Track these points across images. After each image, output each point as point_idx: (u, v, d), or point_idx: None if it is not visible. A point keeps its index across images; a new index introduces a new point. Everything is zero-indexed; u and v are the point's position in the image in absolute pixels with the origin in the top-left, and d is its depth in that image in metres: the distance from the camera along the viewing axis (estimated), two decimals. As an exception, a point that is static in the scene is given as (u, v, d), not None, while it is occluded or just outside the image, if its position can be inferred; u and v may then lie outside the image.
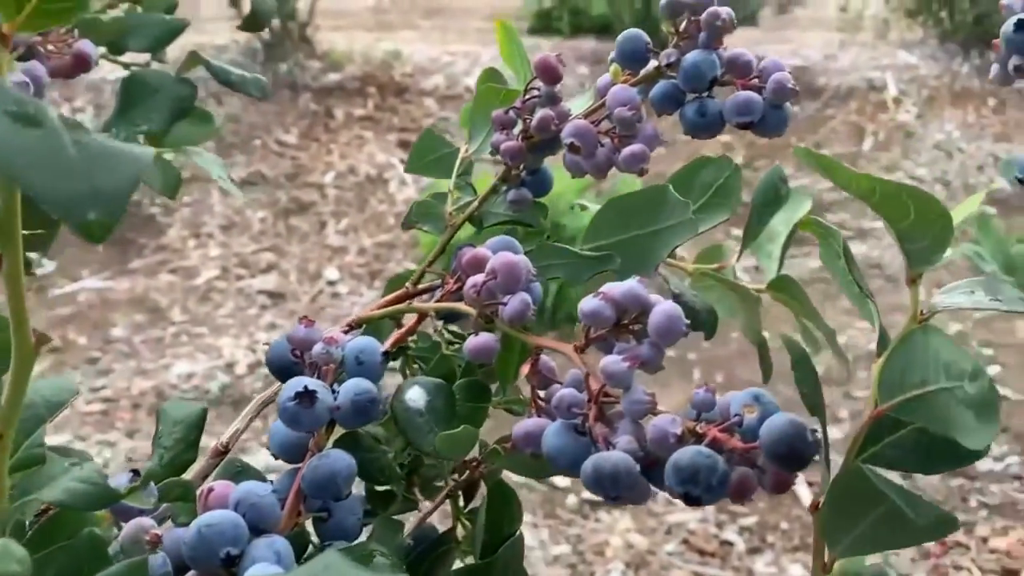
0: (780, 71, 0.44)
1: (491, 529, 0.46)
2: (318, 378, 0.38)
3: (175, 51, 0.66)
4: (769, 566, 1.94)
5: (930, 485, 2.23)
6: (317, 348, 0.40)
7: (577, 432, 0.35)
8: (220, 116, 3.59)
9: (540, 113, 0.46)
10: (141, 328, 2.56)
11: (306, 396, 0.36)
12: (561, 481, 2.16)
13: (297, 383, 0.36)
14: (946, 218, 0.37)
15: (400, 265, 2.80)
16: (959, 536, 2.06)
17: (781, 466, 0.31)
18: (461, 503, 0.49)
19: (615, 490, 0.33)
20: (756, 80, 0.44)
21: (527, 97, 0.48)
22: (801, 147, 0.41)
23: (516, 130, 0.48)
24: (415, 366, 0.47)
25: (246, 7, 0.71)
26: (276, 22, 3.89)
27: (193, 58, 0.66)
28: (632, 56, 0.46)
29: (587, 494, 2.15)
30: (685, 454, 0.32)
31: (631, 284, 0.37)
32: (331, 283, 2.78)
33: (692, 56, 0.44)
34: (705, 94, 0.45)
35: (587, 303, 0.37)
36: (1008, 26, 0.43)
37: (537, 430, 0.36)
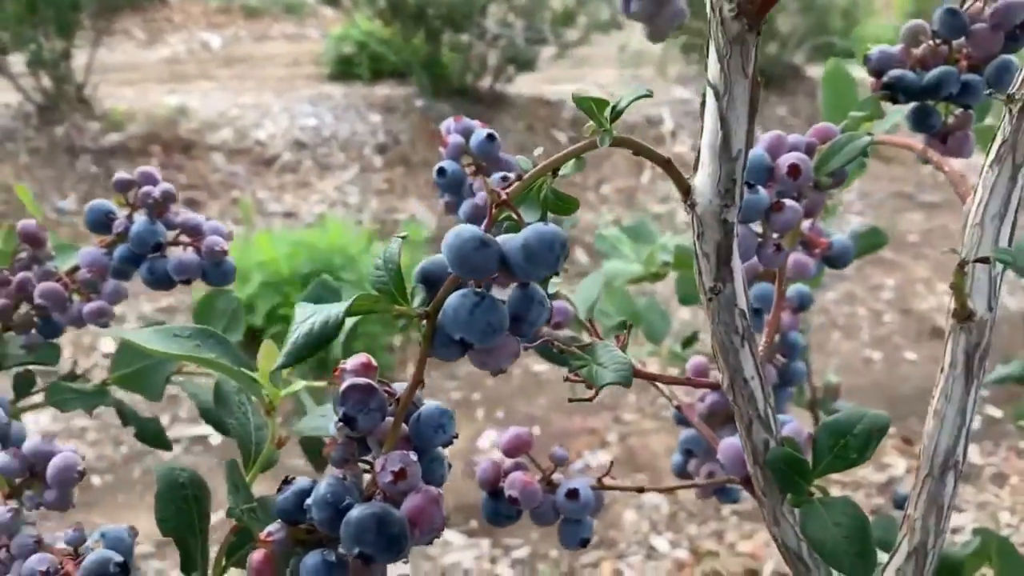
0: (217, 234, 0.53)
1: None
2: None
3: None
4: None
5: (689, 500, 2.43)
6: None
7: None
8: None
9: (18, 277, 0.53)
10: None
11: None
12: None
13: None
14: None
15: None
16: (711, 543, 2.26)
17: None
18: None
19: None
20: (196, 242, 0.53)
21: (15, 259, 0.55)
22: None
23: (8, 289, 0.55)
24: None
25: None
26: (49, 83, 3.76)
27: None
28: (96, 225, 0.54)
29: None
30: None
31: (38, 442, 0.45)
32: (106, 355, 2.71)
33: (136, 226, 0.52)
34: (155, 254, 0.53)
35: (1, 458, 0.44)
36: None
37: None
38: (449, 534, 2.20)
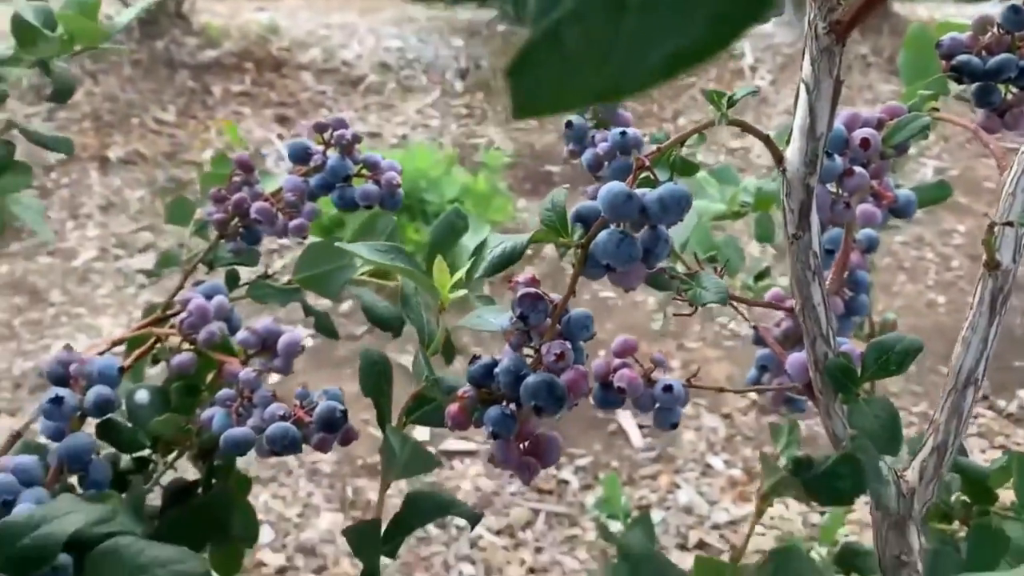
0: (392, 171, 0.66)
1: (216, 476, 0.68)
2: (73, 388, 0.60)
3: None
4: (596, 509, 2.23)
5: (746, 425, 2.56)
6: (74, 367, 0.61)
7: (229, 415, 0.58)
8: (97, 95, 3.64)
9: (236, 197, 0.68)
10: (20, 310, 2.67)
11: (56, 400, 0.57)
12: (420, 434, 2.40)
13: (50, 392, 0.57)
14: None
15: (274, 242, 2.95)
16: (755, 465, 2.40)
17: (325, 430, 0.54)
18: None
19: (241, 451, 0.56)
20: (376, 176, 0.67)
21: (233, 180, 0.69)
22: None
23: (225, 204, 0.69)
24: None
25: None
26: (150, -2, 3.92)
27: (8, 124, 0.86)
28: (299, 157, 0.68)
29: (444, 446, 2.40)
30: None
31: (267, 322, 0.60)
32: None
33: (331, 161, 0.66)
34: (344, 184, 0.67)
35: (240, 335, 0.60)
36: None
37: (208, 416, 0.58)
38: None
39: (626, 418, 2.49)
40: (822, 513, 2.12)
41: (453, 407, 0.49)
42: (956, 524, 0.73)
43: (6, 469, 0.56)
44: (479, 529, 2.12)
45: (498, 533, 2.12)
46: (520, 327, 0.48)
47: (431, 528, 2.13)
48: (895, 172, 0.75)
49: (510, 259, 0.46)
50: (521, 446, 0.51)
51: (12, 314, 2.65)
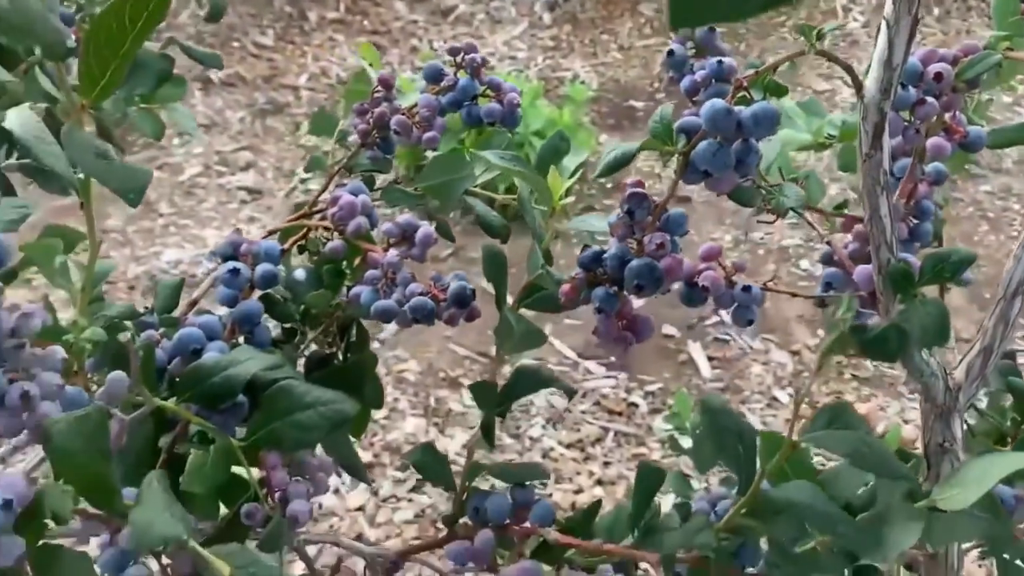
0: (513, 92, 0.76)
1: (352, 348, 0.80)
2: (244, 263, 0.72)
3: None
4: (666, 424, 2.33)
5: (813, 362, 2.62)
6: (244, 247, 0.73)
7: (377, 291, 0.69)
8: (200, 17, 3.79)
9: (378, 110, 0.78)
10: (133, 219, 2.88)
11: (234, 271, 0.69)
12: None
13: (228, 264, 0.69)
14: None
15: (366, 164, 3.09)
16: (829, 401, 2.46)
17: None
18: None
19: (388, 319, 0.67)
20: (499, 96, 0.76)
21: (375, 96, 0.80)
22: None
23: (367, 117, 0.80)
24: (305, 255, 0.81)
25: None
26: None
27: (169, 41, 0.98)
28: (433, 77, 0.77)
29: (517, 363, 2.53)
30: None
31: (409, 217, 0.70)
32: (303, 180, 3.08)
33: (462, 81, 0.76)
34: (471, 103, 0.77)
35: (385, 225, 0.71)
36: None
37: (357, 292, 0.70)
38: (591, 365, 2.50)
39: (696, 349, 2.58)
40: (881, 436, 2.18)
41: (566, 287, 0.59)
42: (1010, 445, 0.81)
43: (194, 325, 0.68)
44: (551, 442, 2.26)
45: (568, 447, 2.25)
46: (626, 221, 0.57)
47: (505, 438, 2.27)
48: (984, 118, 0.81)
49: (622, 162, 0.55)
50: (620, 323, 0.61)
51: (126, 222, 2.85)
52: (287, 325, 0.79)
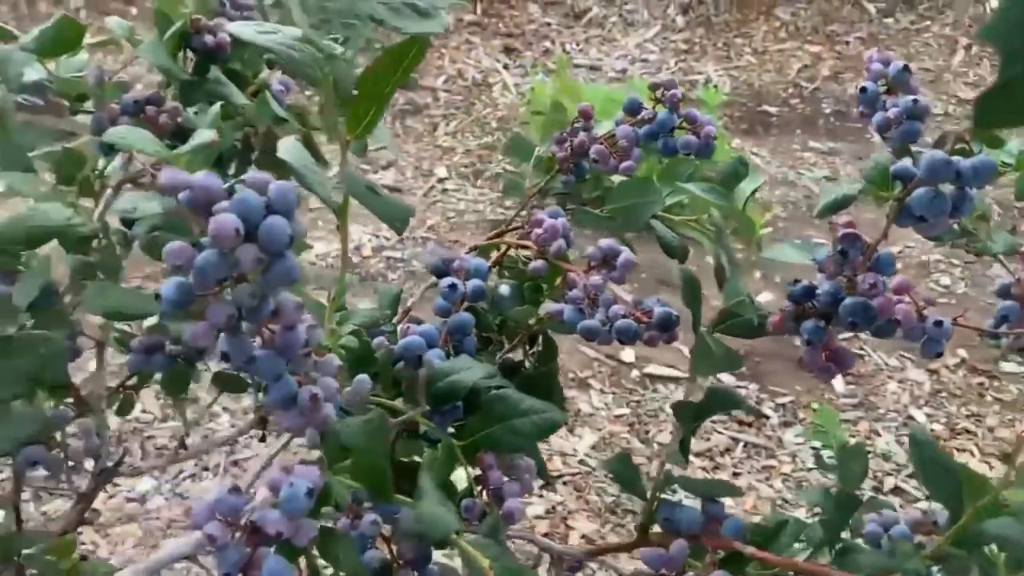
0: (710, 125, 0.80)
1: (541, 359, 0.86)
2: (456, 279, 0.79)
3: None
4: (797, 437, 2.32)
5: (952, 382, 2.55)
6: (457, 263, 0.80)
7: (579, 310, 0.75)
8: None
9: (579, 139, 0.84)
10: (283, 213, 3.05)
11: (452, 286, 0.76)
12: (627, 357, 2.58)
13: (448, 280, 0.76)
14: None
15: (499, 166, 3.18)
16: (968, 424, 2.40)
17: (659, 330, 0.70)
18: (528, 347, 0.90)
19: (592, 338, 0.73)
20: (695, 129, 0.81)
21: (574, 126, 0.85)
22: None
23: (565, 145, 0.86)
24: (505, 273, 0.87)
25: None
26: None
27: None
28: (631, 111, 0.82)
29: (648, 369, 2.56)
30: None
31: (610, 241, 0.76)
32: (440, 180, 3.19)
33: (661, 115, 0.80)
34: (668, 135, 0.81)
35: (590, 249, 0.76)
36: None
37: (559, 309, 0.76)
38: (722, 375, 2.50)
39: (829, 363, 2.54)
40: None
41: (775, 318, 0.63)
42: None
43: (415, 333, 0.76)
44: (680, 449, 2.28)
45: (698, 455, 2.27)
46: (838, 260, 0.61)
47: (635, 442, 2.31)
48: None
49: (843, 205, 0.59)
50: (823, 354, 0.65)
51: (276, 216, 3.02)
52: (485, 334, 0.86)
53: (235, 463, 2.10)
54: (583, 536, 1.98)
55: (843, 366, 0.64)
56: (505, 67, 3.77)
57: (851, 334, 0.74)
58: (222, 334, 0.50)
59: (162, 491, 2.02)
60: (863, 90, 0.81)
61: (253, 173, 0.48)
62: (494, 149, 3.36)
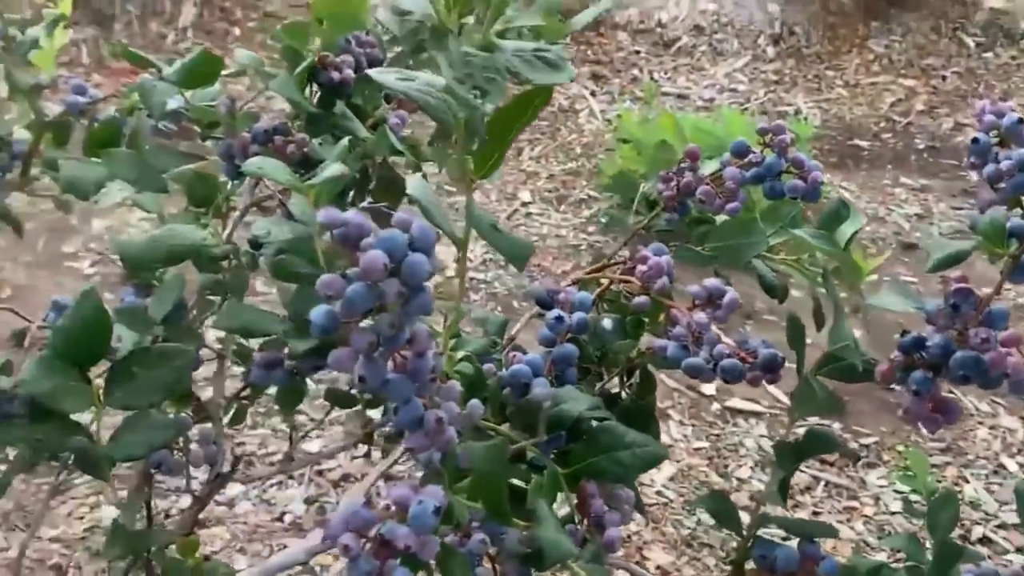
0: (817, 170, 0.82)
1: (639, 392, 0.88)
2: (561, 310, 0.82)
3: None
4: (880, 479, 2.27)
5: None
6: (562, 295, 0.83)
7: (683, 347, 0.77)
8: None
9: (686, 179, 0.86)
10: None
11: (559, 319, 0.79)
12: (707, 389, 2.56)
13: (555, 312, 0.79)
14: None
15: (583, 192, 3.20)
16: (1064, 477, 2.31)
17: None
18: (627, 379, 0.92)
19: (696, 375, 0.75)
20: (803, 174, 0.82)
21: (680, 166, 0.88)
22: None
23: (672, 184, 0.88)
24: (605, 306, 0.90)
25: None
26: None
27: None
28: (739, 153, 0.85)
29: (729, 402, 2.55)
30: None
31: (715, 281, 0.78)
32: (524, 204, 3.24)
33: (768, 159, 0.82)
34: (775, 178, 0.83)
35: (693, 288, 0.79)
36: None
37: (663, 345, 0.78)
38: (803, 411, 2.47)
39: (916, 405, 2.48)
40: None
41: (883, 367, 0.64)
42: None
43: (522, 362, 0.79)
44: (759, 484, 2.26)
45: (777, 491, 2.24)
46: (950, 313, 0.62)
47: (714, 476, 2.29)
48: None
49: (957, 260, 0.60)
50: (930, 404, 0.65)
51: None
52: (584, 365, 0.89)
53: (319, 473, 2.16)
54: (658, 567, 1.97)
55: (950, 417, 0.65)
56: (592, 94, 3.81)
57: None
58: (360, 358, 0.54)
59: (249, 497, 2.10)
60: (975, 140, 0.81)
61: (400, 214, 0.52)
62: (578, 175, 3.39)
